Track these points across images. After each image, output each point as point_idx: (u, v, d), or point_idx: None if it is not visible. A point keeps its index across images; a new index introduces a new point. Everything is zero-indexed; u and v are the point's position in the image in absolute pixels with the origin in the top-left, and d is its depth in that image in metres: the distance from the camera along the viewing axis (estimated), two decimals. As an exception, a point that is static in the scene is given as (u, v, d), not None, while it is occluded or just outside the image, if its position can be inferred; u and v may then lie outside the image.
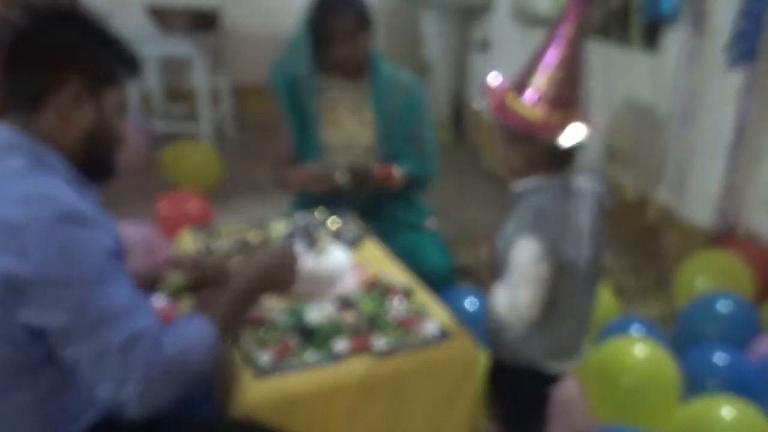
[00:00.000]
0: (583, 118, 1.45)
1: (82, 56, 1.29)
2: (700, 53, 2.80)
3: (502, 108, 1.47)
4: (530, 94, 1.45)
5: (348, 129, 2.38)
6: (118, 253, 1.25)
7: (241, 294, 1.39)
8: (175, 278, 1.55)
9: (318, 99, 2.34)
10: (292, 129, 2.35)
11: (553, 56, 1.44)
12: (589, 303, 1.62)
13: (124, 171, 3.23)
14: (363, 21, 2.24)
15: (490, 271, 1.59)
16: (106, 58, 1.33)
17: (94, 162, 1.34)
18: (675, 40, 2.94)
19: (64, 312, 1.15)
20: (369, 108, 2.37)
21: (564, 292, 1.51)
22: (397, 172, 2.33)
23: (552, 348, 1.58)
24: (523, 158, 1.52)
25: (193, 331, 1.29)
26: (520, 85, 1.48)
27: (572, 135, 1.42)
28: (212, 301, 1.37)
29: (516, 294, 1.48)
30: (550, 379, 1.64)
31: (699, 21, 2.79)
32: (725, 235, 2.80)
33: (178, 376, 1.24)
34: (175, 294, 1.55)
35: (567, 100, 1.45)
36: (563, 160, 1.52)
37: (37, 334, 1.19)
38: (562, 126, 1.42)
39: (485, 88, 1.52)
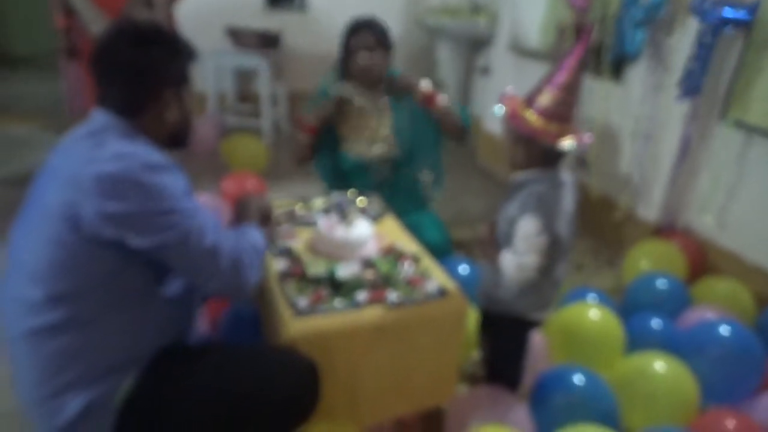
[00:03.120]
0: (574, 132, 1.43)
1: (172, 71, 1.30)
2: (657, 85, 2.74)
3: (514, 114, 1.46)
4: (536, 107, 1.45)
5: (369, 124, 2.32)
6: (190, 191, 1.28)
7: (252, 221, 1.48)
8: None
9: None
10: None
11: (557, 80, 1.44)
12: (565, 269, 1.61)
13: (201, 154, 3.25)
14: (379, 41, 2.20)
15: (491, 245, 1.58)
16: (184, 65, 1.33)
17: (176, 138, 1.35)
18: (638, 73, 2.87)
19: (169, 232, 1.18)
20: (386, 107, 2.32)
21: (553, 260, 1.50)
22: (443, 99, 2.23)
23: (538, 302, 1.59)
24: (525, 155, 1.51)
25: (250, 230, 1.40)
26: (530, 99, 1.47)
27: (564, 143, 1.42)
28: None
29: (522, 260, 1.47)
30: (533, 325, 1.65)
31: (658, 59, 2.72)
32: (666, 228, 2.75)
33: (256, 256, 1.34)
34: None
35: (563, 116, 1.44)
36: (555, 159, 1.52)
37: (134, 265, 1.21)
38: (557, 135, 1.42)
39: (504, 98, 1.51)
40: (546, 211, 1.46)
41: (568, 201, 1.53)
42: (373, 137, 2.32)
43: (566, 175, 1.55)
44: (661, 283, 2.24)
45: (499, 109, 1.49)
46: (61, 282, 1.17)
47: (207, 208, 1.35)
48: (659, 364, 1.73)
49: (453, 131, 2.30)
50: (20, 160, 3.68)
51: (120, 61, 1.26)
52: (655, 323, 2.00)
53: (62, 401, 1.19)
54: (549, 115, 1.42)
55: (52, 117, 4.36)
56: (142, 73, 1.26)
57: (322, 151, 2.37)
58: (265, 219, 1.56)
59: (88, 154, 1.19)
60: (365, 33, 2.19)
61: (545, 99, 1.44)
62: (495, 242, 1.57)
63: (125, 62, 1.26)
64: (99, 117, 1.26)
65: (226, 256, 1.25)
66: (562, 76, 1.44)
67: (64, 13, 2.91)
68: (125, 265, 1.20)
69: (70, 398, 1.19)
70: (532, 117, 1.43)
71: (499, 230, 1.56)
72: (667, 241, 2.57)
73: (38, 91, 5.20)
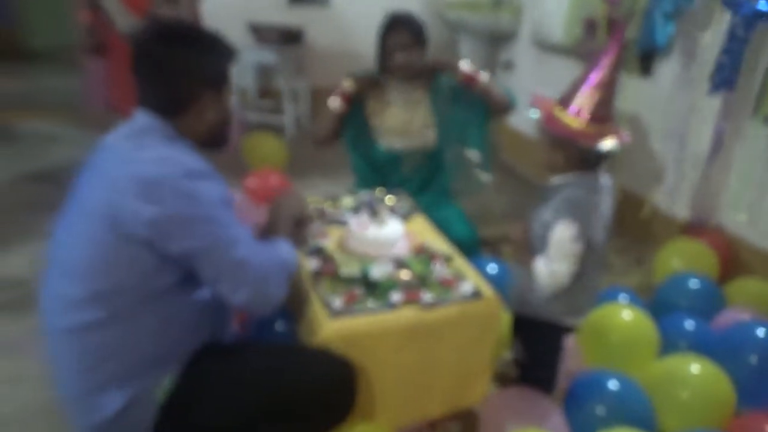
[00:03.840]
0: (614, 132, 1.41)
1: (211, 72, 1.31)
2: (687, 80, 2.70)
3: (550, 118, 1.43)
4: (573, 108, 1.41)
5: (402, 117, 2.31)
6: (229, 200, 1.28)
7: (287, 231, 1.46)
8: None
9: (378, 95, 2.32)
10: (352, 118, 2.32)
11: (594, 79, 1.40)
12: (601, 274, 1.58)
13: (224, 151, 3.20)
14: (416, 38, 2.20)
15: (525, 249, 1.55)
16: (223, 65, 1.33)
17: (215, 138, 1.36)
18: (667, 68, 2.83)
19: (201, 240, 1.19)
20: (423, 100, 2.31)
21: (586, 266, 1.48)
22: (484, 77, 2.23)
23: (571, 308, 1.56)
24: (564, 159, 1.48)
25: (283, 246, 1.37)
26: (566, 101, 1.44)
27: (605, 144, 1.38)
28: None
29: (555, 266, 1.45)
30: (566, 331, 1.63)
31: (689, 53, 2.68)
32: (696, 226, 2.72)
33: (284, 274, 1.33)
34: None
35: (602, 116, 1.41)
36: (594, 162, 1.48)
37: (170, 264, 1.21)
38: (597, 136, 1.38)
39: (536, 101, 1.48)
40: (582, 217, 1.43)
41: (605, 206, 1.50)
42: (407, 129, 2.30)
43: (605, 179, 1.52)
44: (693, 283, 2.21)
45: (534, 113, 1.46)
46: (100, 280, 1.19)
47: (241, 218, 1.35)
48: (694, 367, 1.70)
49: (499, 106, 2.29)
50: (43, 155, 3.72)
51: (160, 62, 1.26)
52: (689, 324, 1.97)
53: (102, 398, 1.21)
54: (586, 116, 1.40)
55: (73, 112, 4.39)
56: (182, 73, 1.26)
57: (357, 143, 2.36)
58: (301, 221, 1.54)
59: (129, 155, 1.20)
60: (402, 30, 2.19)
61: (582, 99, 1.40)
62: (529, 246, 1.55)
63: (166, 63, 1.26)
64: (141, 118, 1.27)
65: (254, 271, 1.24)
66: (599, 75, 1.41)
67: (89, 8, 2.93)
68: (161, 265, 1.21)
69: (110, 394, 1.21)
70: (569, 119, 1.41)
71: (533, 234, 1.54)
72: (698, 240, 2.53)
73: (58, 86, 5.24)
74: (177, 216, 1.16)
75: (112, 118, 2.65)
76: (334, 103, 2.26)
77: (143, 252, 1.18)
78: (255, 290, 1.25)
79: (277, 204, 1.54)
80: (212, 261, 1.21)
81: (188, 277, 1.27)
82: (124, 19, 2.72)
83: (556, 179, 1.52)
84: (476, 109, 2.31)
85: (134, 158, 1.19)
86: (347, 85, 2.25)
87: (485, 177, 2.44)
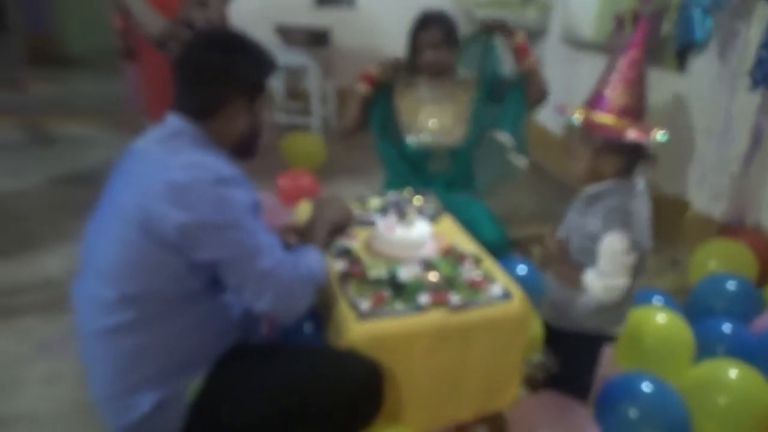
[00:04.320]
0: (652, 128, 1.36)
1: (248, 79, 1.32)
2: (724, 75, 2.62)
3: (591, 123, 1.37)
4: (609, 107, 1.36)
5: (433, 114, 2.30)
6: (257, 208, 1.28)
7: (322, 238, 1.44)
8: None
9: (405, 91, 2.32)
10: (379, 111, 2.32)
11: (623, 76, 1.35)
12: (641, 279, 1.53)
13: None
14: (446, 37, 2.21)
15: (565, 264, 1.50)
16: (259, 74, 1.34)
17: (243, 148, 1.36)
18: (705, 63, 2.74)
19: (227, 248, 1.19)
20: (452, 96, 2.30)
21: (635, 274, 1.43)
22: (535, 56, 2.22)
23: (616, 318, 1.52)
24: (616, 164, 1.41)
25: (313, 257, 1.35)
26: (597, 102, 1.38)
27: (654, 137, 1.33)
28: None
29: (610, 281, 1.39)
30: (608, 340, 1.59)
31: (726, 48, 2.60)
32: (735, 226, 2.63)
33: (310, 285, 1.31)
34: None
35: (637, 112, 1.36)
36: (634, 165, 1.42)
37: (198, 269, 1.22)
38: (645, 131, 1.33)
39: (566, 109, 1.43)
40: (631, 226, 1.38)
41: (646, 210, 1.45)
42: (437, 127, 2.29)
43: (641, 183, 1.47)
44: (730, 285, 2.14)
45: (576, 119, 1.39)
46: (131, 283, 1.20)
47: (270, 218, 1.35)
48: (732, 372, 1.65)
49: (539, 92, 2.27)
50: (79, 159, 3.80)
51: (197, 62, 1.29)
52: (726, 328, 1.91)
53: (134, 398, 1.22)
54: (624, 113, 1.35)
55: (108, 116, 4.47)
56: (216, 74, 1.28)
57: (384, 133, 2.35)
58: (341, 228, 1.51)
59: (161, 159, 1.21)
60: (433, 28, 2.20)
61: (618, 98, 1.35)
62: (568, 259, 1.50)
63: (202, 63, 1.29)
64: (172, 121, 1.28)
65: (278, 281, 1.24)
66: (629, 71, 1.36)
67: (122, 14, 2.97)
68: (190, 269, 1.22)
69: (142, 395, 1.22)
70: (608, 119, 1.35)
71: (574, 246, 1.49)
72: (736, 240, 2.46)
73: (94, 90, 5.35)
74: (205, 222, 1.17)
75: (148, 122, 2.69)
76: (361, 87, 2.27)
77: (173, 256, 1.19)
78: (278, 300, 1.24)
79: (316, 209, 1.52)
80: (237, 269, 1.21)
81: (217, 281, 1.27)
82: (153, 23, 2.75)
83: (592, 187, 1.46)
84: (514, 97, 2.30)
85: (166, 163, 1.20)
86: (374, 70, 2.25)
87: (521, 161, 2.40)
